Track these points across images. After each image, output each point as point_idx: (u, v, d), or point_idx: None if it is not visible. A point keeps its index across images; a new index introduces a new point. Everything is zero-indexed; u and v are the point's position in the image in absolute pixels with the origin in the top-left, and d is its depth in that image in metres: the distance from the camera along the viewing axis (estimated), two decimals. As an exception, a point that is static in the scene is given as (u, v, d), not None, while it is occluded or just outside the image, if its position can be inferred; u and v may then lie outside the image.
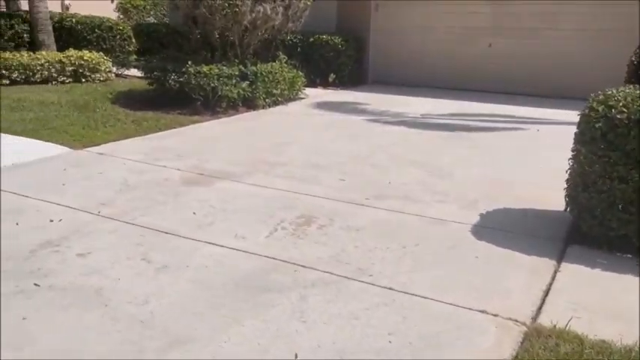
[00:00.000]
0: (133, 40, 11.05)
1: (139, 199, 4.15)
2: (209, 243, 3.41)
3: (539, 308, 2.71)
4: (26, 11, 10.68)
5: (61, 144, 5.66)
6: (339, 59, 10.18)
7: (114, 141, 5.90)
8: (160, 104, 7.87)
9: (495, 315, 2.62)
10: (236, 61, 7.81)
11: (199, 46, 8.18)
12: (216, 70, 7.28)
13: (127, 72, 11.08)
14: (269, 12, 7.41)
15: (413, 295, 2.81)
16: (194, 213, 3.92)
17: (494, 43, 10.33)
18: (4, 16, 10.37)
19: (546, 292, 2.87)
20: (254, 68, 7.80)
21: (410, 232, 3.65)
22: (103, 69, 10.09)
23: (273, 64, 8.16)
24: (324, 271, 3.05)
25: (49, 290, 2.81)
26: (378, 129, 6.99)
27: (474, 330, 2.52)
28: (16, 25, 10.14)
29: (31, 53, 9.55)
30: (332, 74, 9.85)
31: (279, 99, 8.36)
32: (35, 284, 2.86)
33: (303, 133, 6.66)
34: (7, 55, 9.31)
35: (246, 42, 8.01)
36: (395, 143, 6.19)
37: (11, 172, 4.71)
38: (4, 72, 9.17)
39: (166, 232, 3.55)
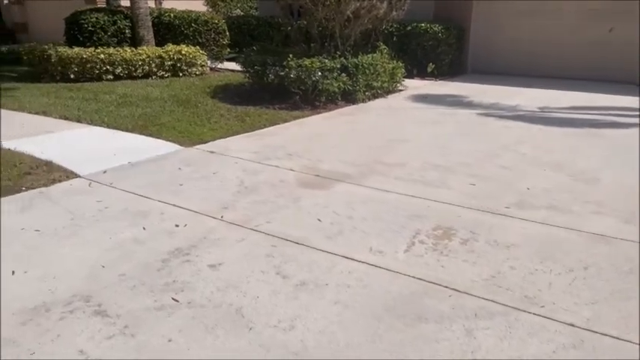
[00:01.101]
0: (227, 34, 11.07)
1: (259, 204, 3.95)
2: (344, 257, 3.12)
3: None
4: (127, 7, 10.99)
5: (172, 141, 5.63)
6: (439, 48, 9.60)
7: (221, 138, 5.80)
8: (257, 98, 7.76)
9: None
10: (337, 53, 7.50)
11: (298, 38, 7.94)
12: (318, 64, 7.01)
13: (220, 65, 11.15)
14: (374, 0, 7.01)
15: (604, 335, 2.35)
16: (319, 220, 3.66)
17: (616, 27, 9.28)
18: (107, 12, 10.73)
19: None
20: (355, 60, 7.45)
21: (572, 252, 3.16)
22: (199, 63, 10.19)
23: (374, 55, 7.77)
24: (484, 298, 2.66)
25: (189, 307, 2.64)
26: (495, 125, 6.42)
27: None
28: (119, 22, 10.45)
29: (134, 49, 9.80)
30: (430, 64, 9.30)
31: (379, 92, 7.97)
32: (174, 299, 2.70)
33: (413, 129, 6.24)
34: (111, 50, 9.62)
35: (347, 33, 7.66)
36: (520, 141, 5.61)
37: (130, 171, 4.69)
38: (108, 67, 9.48)
39: (296, 243, 3.31)
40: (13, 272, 2.98)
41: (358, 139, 5.83)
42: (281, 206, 3.90)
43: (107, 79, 9.45)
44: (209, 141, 5.67)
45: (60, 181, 4.44)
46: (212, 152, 5.27)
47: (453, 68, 9.98)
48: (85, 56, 9.35)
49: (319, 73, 7.03)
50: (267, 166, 4.82)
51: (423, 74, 9.63)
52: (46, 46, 9.79)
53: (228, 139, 5.80)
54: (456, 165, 4.81)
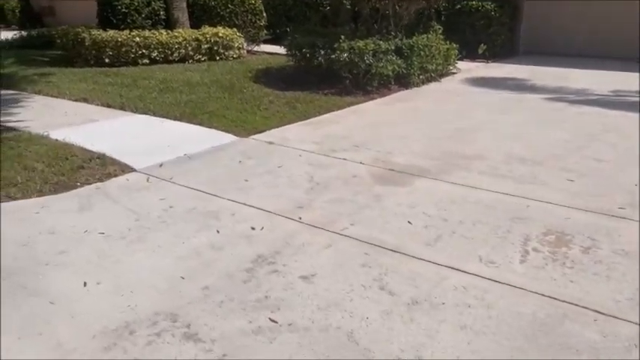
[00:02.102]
0: (264, 15, 10.61)
1: (337, 203, 3.58)
2: (452, 269, 2.74)
3: None
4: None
5: (225, 130, 5.28)
6: (490, 28, 9.03)
7: (276, 127, 5.42)
8: (303, 83, 7.35)
9: None
10: (392, 34, 7.03)
11: (346, 19, 7.48)
12: (372, 46, 6.55)
13: (256, 48, 10.73)
14: (434, -24, 6.51)
15: None
16: (409, 222, 3.28)
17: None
18: (145, -7, 10.34)
19: None
20: (409, 41, 6.98)
21: None
22: (236, 46, 9.79)
23: (429, 35, 7.28)
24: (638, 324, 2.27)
25: (291, 331, 2.29)
26: (570, 111, 5.92)
27: None
28: (153, 3, 10.06)
29: (170, 32, 9.43)
30: (482, 45, 8.75)
31: (432, 75, 7.49)
32: (271, 320, 2.36)
33: (481, 116, 5.78)
34: (147, 33, 9.26)
35: (400, 12, 7.17)
36: (606, 130, 5.12)
37: (188, 165, 4.36)
38: (144, 51, 9.15)
39: (392, 250, 2.94)
40: (85, 284, 2.67)
41: (424, 127, 5.39)
42: (362, 206, 3.53)
43: (143, 64, 9.11)
44: (264, 130, 5.30)
45: (115, 175, 4.13)
46: (271, 143, 4.90)
47: (505, 49, 9.40)
48: (119, 39, 9.03)
49: (372, 56, 6.57)
50: (335, 159, 4.43)
51: (472, 56, 9.08)
52: (79, 29, 9.49)
53: (283, 128, 5.42)
54: (543, 157, 4.36)
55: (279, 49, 10.59)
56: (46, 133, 5.05)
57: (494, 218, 3.30)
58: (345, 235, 3.12)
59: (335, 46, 6.72)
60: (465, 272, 2.70)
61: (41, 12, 17.88)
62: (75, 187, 3.91)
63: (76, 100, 6.69)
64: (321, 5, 11.15)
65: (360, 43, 6.53)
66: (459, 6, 9.04)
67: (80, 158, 4.41)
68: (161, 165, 4.34)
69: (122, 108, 6.23)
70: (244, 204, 3.57)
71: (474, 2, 9.02)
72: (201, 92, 6.88)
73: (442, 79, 7.68)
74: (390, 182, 3.93)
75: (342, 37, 6.69)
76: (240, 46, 9.89)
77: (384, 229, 3.20)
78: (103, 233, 3.19)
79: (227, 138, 5.06)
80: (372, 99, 6.65)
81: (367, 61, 6.55)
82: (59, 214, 3.45)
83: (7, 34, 13.28)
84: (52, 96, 6.95)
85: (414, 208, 3.48)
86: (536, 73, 7.99)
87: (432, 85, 7.36)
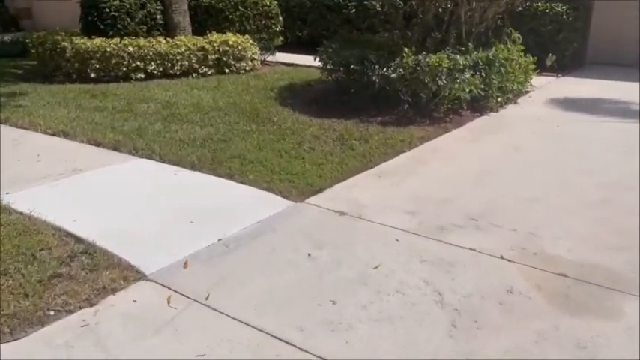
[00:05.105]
0: (280, 19, 8.98)
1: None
2: None
3: None
4: (157, -13, 8.92)
5: (268, 188, 3.67)
6: (560, 34, 7.52)
7: (338, 181, 3.82)
8: (342, 105, 5.79)
9: None
10: (469, 45, 5.46)
11: (401, 26, 5.90)
12: (447, 62, 4.98)
13: (269, 57, 9.10)
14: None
15: None
16: None
17: None
18: (133, -7, 8.67)
19: None
20: (487, 54, 5.43)
21: None
22: (249, 56, 8.15)
23: (509, 47, 5.73)
24: None
25: None
26: None
27: None
28: (148, 5, 8.36)
29: (169, 40, 7.77)
30: (550, 55, 7.22)
31: (510, 96, 5.96)
32: None
33: (613, 160, 4.22)
34: (142, 42, 7.58)
35: (476, 17, 5.60)
36: None
37: (228, 261, 2.73)
38: (138, 63, 7.48)
39: None
40: None
41: (551, 181, 3.81)
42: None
43: (137, 79, 7.45)
44: (323, 188, 3.70)
45: (114, 290, 2.50)
46: (342, 214, 3.30)
47: (572, 60, 7.89)
48: (108, 50, 7.35)
49: (448, 75, 5.01)
50: (456, 249, 2.85)
51: (540, 68, 7.53)
52: (59, 37, 7.78)
53: (348, 182, 3.82)
54: None
55: (297, 59, 9.08)
56: (5, 199, 3.41)
57: None
58: None
59: (395, 62, 5.14)
60: None
61: (17, 15, 16.05)
62: (46, 322, 2.28)
63: (53, 134, 5.02)
64: (344, 7, 9.55)
65: (433, 59, 4.95)
66: (520, 8, 7.49)
67: (56, 253, 2.77)
68: (185, 263, 2.73)
69: (116, 148, 4.58)
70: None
71: (539, 4, 7.50)
72: (218, 122, 5.24)
73: (519, 100, 6.14)
74: (582, 309, 2.35)
75: (406, 50, 5.11)
76: (255, 56, 8.25)
77: None
78: None
79: (274, 203, 3.45)
80: (446, 130, 5.08)
81: (441, 82, 4.97)
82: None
83: (-23, 41, 11.48)
84: (21, 127, 5.27)
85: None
86: (628, 91, 6.49)
87: (512, 110, 5.81)
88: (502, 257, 2.76)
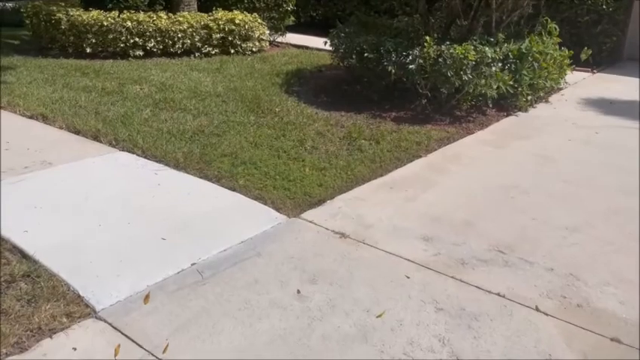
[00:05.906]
0: (293, -4, 8.34)
1: None
2: None
3: None
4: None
5: (258, 196, 3.14)
6: (598, 26, 6.81)
7: (341, 191, 3.29)
8: (353, 96, 5.25)
9: None
10: (500, 36, 4.83)
11: (424, 10, 5.25)
12: (473, 53, 4.37)
13: (279, 38, 8.49)
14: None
15: None
16: None
17: None
18: (135, -36, 8.06)
19: None
20: (519, 47, 4.80)
21: None
22: (256, 36, 7.55)
23: (544, 39, 5.08)
24: None
25: None
26: None
27: None
28: (151, -24, 7.82)
29: (171, 15, 7.19)
30: (585, 49, 6.53)
31: (541, 93, 5.34)
32: None
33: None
34: (142, 16, 7.01)
35: (507, 6, 4.95)
36: None
37: (199, 298, 2.21)
38: (137, 40, 6.93)
39: None
40: None
41: (592, 204, 3.24)
42: None
43: (135, 56, 6.91)
44: (325, 199, 3.17)
45: (52, 331, 2.01)
46: (343, 236, 2.76)
47: (610, 55, 7.19)
48: (105, 23, 6.80)
49: (473, 68, 4.40)
50: (480, 295, 2.31)
51: (573, 63, 6.85)
52: (54, 7, 7.24)
53: (353, 193, 3.28)
54: None
55: (309, 41, 8.46)
56: (-48, 199, 2.93)
57: None
58: None
59: (414, 51, 4.54)
60: None
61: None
62: (-44, 377, 1.81)
63: (30, 117, 4.53)
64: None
65: (458, 49, 4.34)
66: (553, -4, 6.80)
67: (-8, 277, 2.28)
68: (147, 297, 2.22)
69: (96, 137, 4.08)
70: None
71: (575, -8, 6.80)
72: (214, 110, 4.71)
73: (550, 99, 5.51)
74: (635, 389, 1.83)
75: (427, 38, 4.49)
76: (263, 36, 7.66)
77: None
78: None
79: (264, 217, 2.93)
80: (469, 131, 4.50)
81: (466, 77, 4.37)
82: None
83: (-25, 8, 10.98)
84: (-1, 106, 4.79)
85: None
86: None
87: (543, 110, 5.19)
88: (537, 309, 2.22)
